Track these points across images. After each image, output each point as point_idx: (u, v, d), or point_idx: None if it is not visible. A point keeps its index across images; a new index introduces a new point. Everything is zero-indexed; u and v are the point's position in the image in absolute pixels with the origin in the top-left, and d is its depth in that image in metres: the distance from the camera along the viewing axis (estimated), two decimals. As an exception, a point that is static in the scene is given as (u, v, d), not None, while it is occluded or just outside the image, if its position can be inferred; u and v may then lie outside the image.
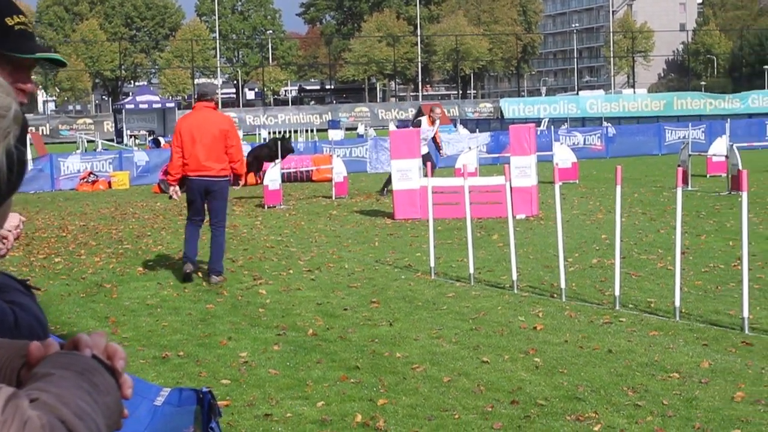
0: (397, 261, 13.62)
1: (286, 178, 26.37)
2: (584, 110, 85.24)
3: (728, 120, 26.97)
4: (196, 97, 12.99)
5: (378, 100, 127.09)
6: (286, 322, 9.84)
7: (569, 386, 7.29)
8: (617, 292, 10.04)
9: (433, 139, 22.16)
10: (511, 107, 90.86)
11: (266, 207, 21.30)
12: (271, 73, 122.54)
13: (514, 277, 11.21)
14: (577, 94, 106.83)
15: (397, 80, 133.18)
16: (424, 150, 21.18)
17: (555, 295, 10.71)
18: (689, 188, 22.21)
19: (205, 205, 12.37)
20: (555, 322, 9.42)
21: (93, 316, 10.51)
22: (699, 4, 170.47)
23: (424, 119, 21.74)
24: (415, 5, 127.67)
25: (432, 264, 12.36)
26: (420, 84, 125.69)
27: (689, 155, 23.30)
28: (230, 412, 6.95)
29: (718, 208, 18.51)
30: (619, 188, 10.26)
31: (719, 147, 25.05)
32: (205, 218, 12.57)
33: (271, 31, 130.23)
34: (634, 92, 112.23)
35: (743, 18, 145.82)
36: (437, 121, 21.94)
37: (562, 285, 10.58)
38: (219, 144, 12.01)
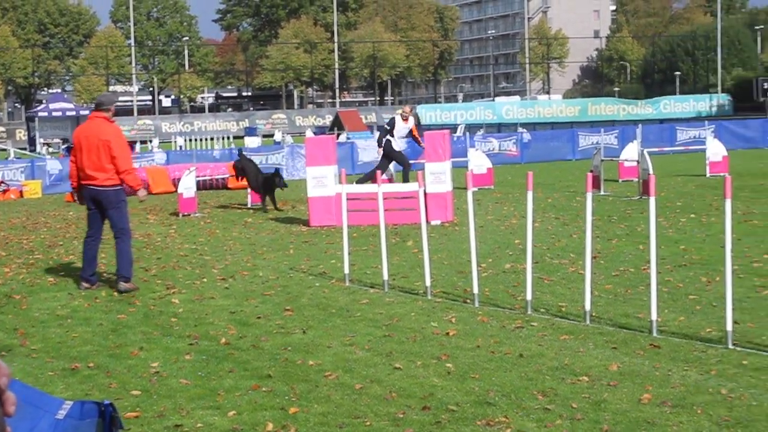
0: (311, 268, 13.60)
1: (202, 186, 26.19)
2: (500, 116, 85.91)
3: (639, 125, 27.35)
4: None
5: (295, 106, 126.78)
6: (198, 331, 9.77)
7: (480, 391, 7.34)
8: (529, 297, 10.14)
9: (412, 135, 23.53)
10: (428, 113, 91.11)
11: (181, 215, 21.13)
12: (187, 80, 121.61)
13: (428, 283, 11.26)
14: (494, 100, 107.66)
15: (314, 87, 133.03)
16: (402, 146, 22.53)
17: (468, 301, 10.77)
18: (602, 193, 22.51)
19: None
20: (467, 328, 9.47)
21: (1, 328, 10.32)
22: (612, 11, 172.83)
23: (398, 118, 22.98)
24: (333, 12, 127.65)
25: (346, 271, 12.36)
26: (337, 91, 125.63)
27: (602, 160, 23.61)
28: (140, 423, 6.88)
29: (630, 213, 18.77)
30: (530, 194, 10.35)
31: (631, 152, 25.42)
32: (101, 231, 12.75)
33: (187, 38, 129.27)
34: (549, 98, 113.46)
35: (655, 25, 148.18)
36: (410, 118, 23.07)
37: (475, 290, 10.65)
38: (103, 154, 12.28)
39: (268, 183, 21.88)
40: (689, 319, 9.52)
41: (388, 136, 22.77)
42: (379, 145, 23.16)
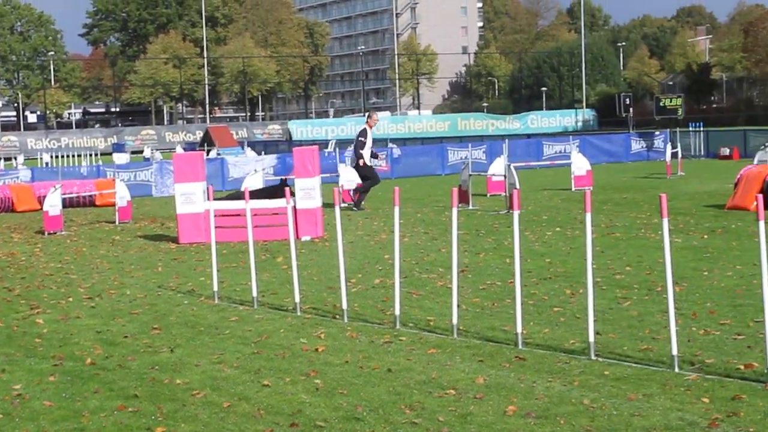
0: (180, 286, 13.47)
1: (68, 204, 25.73)
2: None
3: (506, 140, 27.82)
4: None
5: (165, 122, 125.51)
6: (63, 352, 9.59)
7: (348, 407, 7.36)
8: (398, 312, 10.20)
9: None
10: (299, 129, 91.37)
11: (46, 233, 20.71)
12: (53, 96, 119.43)
13: (297, 300, 11.25)
14: (364, 115, 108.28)
15: (184, 102, 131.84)
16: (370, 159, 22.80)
17: (337, 317, 10.79)
18: (470, 207, 22.80)
19: None
20: (336, 343, 9.50)
21: None
22: (480, 27, 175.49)
23: (367, 128, 23.35)
24: (202, 27, 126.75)
25: (215, 288, 12.28)
26: (207, 106, 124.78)
27: (470, 175, 23.90)
28: (1, 447, 6.73)
29: (497, 227, 19.04)
30: (397, 209, 10.42)
31: (498, 167, 25.82)
32: None
33: (52, 53, 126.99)
34: (420, 113, 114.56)
35: (522, 42, 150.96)
36: (373, 127, 23.66)
37: (345, 306, 10.68)
38: None
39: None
40: (554, 331, 9.70)
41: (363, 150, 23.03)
42: (360, 158, 23.06)
